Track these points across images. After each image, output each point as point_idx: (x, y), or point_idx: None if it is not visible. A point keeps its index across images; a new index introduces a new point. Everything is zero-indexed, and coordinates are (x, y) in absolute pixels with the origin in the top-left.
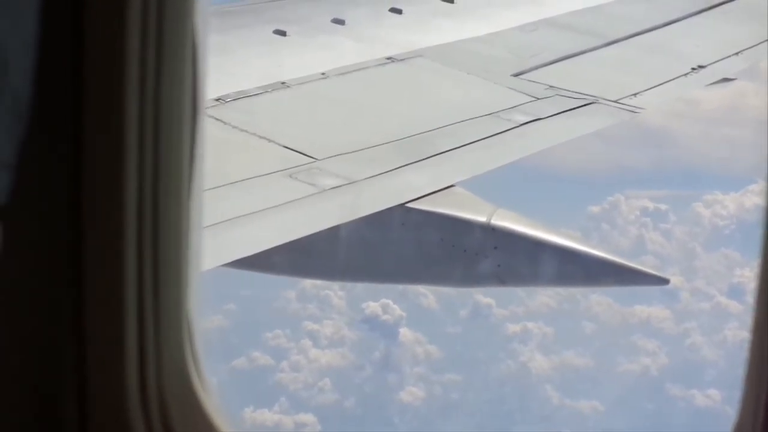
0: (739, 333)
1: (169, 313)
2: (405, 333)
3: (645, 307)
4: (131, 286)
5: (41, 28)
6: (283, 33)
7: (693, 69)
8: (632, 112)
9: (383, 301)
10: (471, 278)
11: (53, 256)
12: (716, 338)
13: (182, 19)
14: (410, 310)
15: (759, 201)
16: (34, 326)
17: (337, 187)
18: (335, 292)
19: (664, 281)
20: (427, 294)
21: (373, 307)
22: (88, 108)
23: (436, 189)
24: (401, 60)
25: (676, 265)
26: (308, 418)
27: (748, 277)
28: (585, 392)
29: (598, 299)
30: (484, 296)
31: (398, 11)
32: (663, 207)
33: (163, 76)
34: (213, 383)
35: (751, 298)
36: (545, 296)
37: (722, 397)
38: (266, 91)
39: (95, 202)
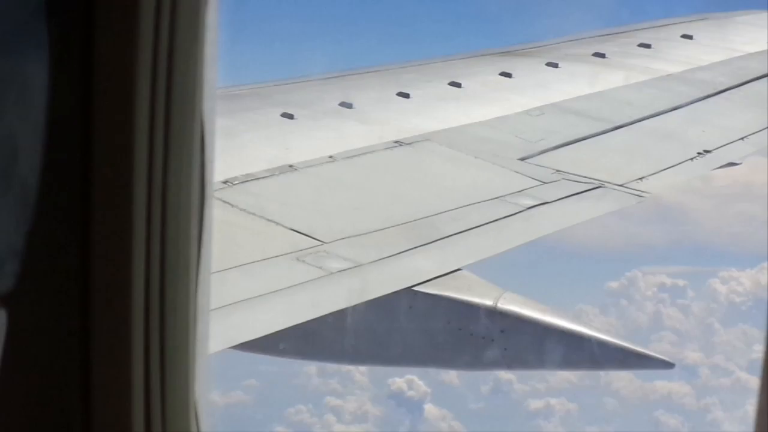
0: None
1: (175, 398)
2: (430, 409)
3: (665, 383)
4: (138, 371)
5: (49, 121)
6: (290, 116)
7: (699, 154)
8: (638, 196)
9: (408, 377)
10: (478, 362)
11: (59, 343)
12: (737, 414)
13: (190, 103)
14: (434, 386)
15: None
16: (39, 413)
17: (344, 270)
18: (357, 367)
19: (670, 365)
20: (447, 370)
21: (398, 383)
22: (96, 193)
23: (443, 273)
24: (409, 144)
25: (694, 341)
26: None
27: None
28: None
29: (618, 375)
30: (504, 372)
31: (406, 95)
32: (681, 283)
33: (171, 159)
34: None
35: None
36: (566, 371)
37: None
38: (274, 174)
39: (102, 286)
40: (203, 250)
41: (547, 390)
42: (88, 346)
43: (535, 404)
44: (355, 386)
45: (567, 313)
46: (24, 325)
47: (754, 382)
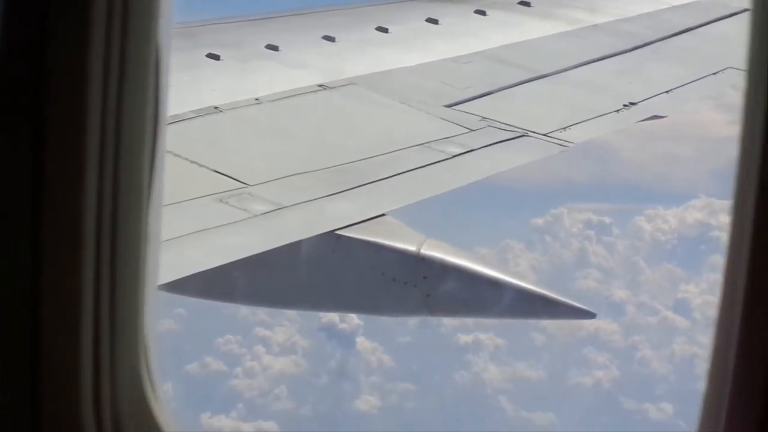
0: (688, 348)
1: (124, 326)
2: (362, 342)
3: (593, 320)
4: (88, 297)
5: (4, 37)
6: (216, 57)
7: (624, 105)
8: (561, 145)
9: None
10: (400, 308)
11: (10, 268)
12: (665, 352)
13: (145, 35)
14: (366, 319)
15: (700, 216)
16: None
17: (267, 212)
18: None
19: (591, 315)
20: (369, 315)
21: (330, 315)
22: (50, 120)
23: (367, 217)
24: (333, 88)
25: (620, 278)
26: (269, 425)
27: (693, 293)
28: (540, 405)
29: None
30: None
31: (331, 39)
32: (607, 220)
33: (126, 89)
34: (167, 393)
35: (697, 314)
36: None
37: (675, 411)
38: (199, 116)
39: (54, 213)
40: (155, 180)
41: (475, 325)
42: (38, 271)
43: (465, 339)
44: (284, 317)
45: (490, 259)
46: None
47: (680, 321)
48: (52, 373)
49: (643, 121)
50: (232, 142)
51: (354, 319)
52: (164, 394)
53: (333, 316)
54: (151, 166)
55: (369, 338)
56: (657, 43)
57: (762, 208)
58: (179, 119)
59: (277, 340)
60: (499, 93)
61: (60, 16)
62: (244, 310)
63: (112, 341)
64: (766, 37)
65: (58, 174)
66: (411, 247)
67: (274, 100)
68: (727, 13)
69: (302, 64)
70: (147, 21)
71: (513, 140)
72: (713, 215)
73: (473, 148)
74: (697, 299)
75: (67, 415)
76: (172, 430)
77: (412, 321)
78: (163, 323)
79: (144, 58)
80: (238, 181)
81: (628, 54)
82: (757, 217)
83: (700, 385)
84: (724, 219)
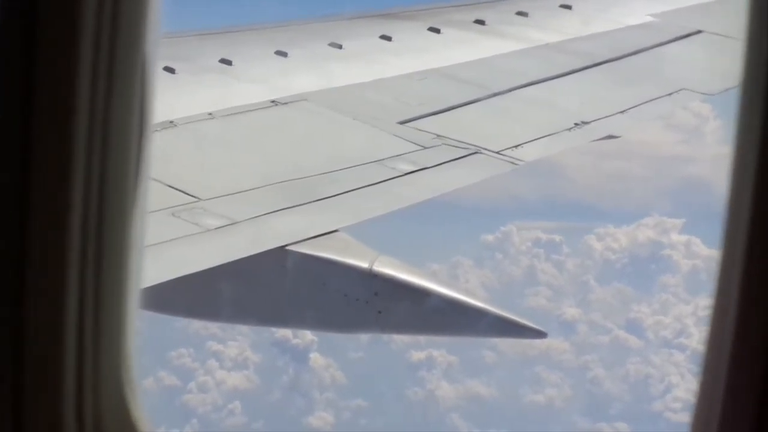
0: (642, 368)
1: (108, 333)
2: (316, 358)
3: (544, 338)
4: (72, 303)
5: None
6: (171, 70)
7: (576, 124)
8: (512, 163)
9: None
10: (352, 324)
11: None
12: (618, 372)
13: (133, 45)
14: (320, 334)
15: (652, 235)
16: None
17: (219, 227)
18: None
19: (542, 334)
20: (320, 331)
21: (283, 330)
22: (37, 128)
23: (319, 233)
24: (285, 103)
25: (570, 297)
26: None
27: (645, 312)
28: (493, 423)
29: None
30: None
31: (284, 54)
32: (557, 238)
33: (113, 98)
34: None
35: (649, 334)
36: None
37: (631, 431)
38: (155, 129)
39: (40, 219)
40: (141, 188)
41: (427, 342)
42: (23, 281)
43: (417, 355)
44: (236, 332)
45: (441, 275)
46: None
47: (633, 341)
48: (35, 380)
49: (597, 140)
50: (185, 156)
51: (307, 334)
52: (144, 402)
53: (286, 332)
54: (137, 173)
55: (323, 354)
56: (610, 63)
57: (757, 213)
58: None
59: (230, 354)
60: (452, 110)
61: (48, 24)
62: (196, 324)
63: (95, 349)
64: (762, 43)
65: (44, 182)
66: (363, 264)
67: (227, 115)
68: (682, 34)
69: (255, 79)
70: (135, 31)
71: (465, 158)
72: (664, 234)
73: (426, 166)
74: (649, 319)
75: (50, 421)
76: None
77: (365, 337)
78: None
79: (131, 67)
80: (191, 195)
81: (580, 73)
82: (751, 223)
83: (655, 406)
84: (676, 238)
